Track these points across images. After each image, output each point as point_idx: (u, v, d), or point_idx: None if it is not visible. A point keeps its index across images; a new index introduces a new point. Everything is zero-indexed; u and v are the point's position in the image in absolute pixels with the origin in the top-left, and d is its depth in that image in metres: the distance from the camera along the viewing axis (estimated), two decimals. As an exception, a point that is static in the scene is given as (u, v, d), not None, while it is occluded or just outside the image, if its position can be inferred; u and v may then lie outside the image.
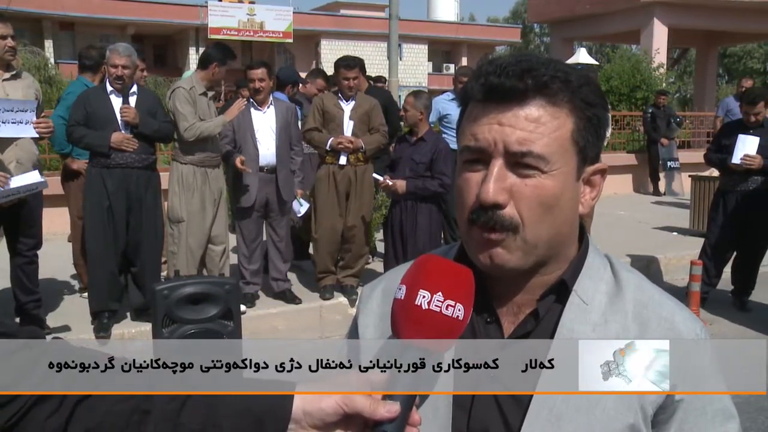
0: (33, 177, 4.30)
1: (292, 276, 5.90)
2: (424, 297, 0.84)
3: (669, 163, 11.66)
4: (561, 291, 0.98)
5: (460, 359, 0.98)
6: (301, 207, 5.53)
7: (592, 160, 0.95)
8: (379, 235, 6.85)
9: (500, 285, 0.99)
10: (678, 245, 7.60)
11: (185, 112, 4.79)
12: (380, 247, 6.70)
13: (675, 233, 8.34)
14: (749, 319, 5.59)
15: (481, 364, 0.97)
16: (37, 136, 4.47)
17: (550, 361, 0.94)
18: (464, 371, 0.98)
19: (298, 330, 5.32)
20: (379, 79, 8.77)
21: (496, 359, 0.97)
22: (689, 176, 8.85)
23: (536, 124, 0.89)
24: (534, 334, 0.97)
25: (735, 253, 5.84)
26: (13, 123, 4.31)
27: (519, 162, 0.89)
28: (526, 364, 0.96)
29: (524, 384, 0.95)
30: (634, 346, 0.94)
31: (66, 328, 4.70)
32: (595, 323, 0.95)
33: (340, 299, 5.50)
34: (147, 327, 4.35)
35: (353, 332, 1.12)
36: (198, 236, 4.94)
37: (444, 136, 6.74)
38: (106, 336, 4.62)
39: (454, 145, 6.58)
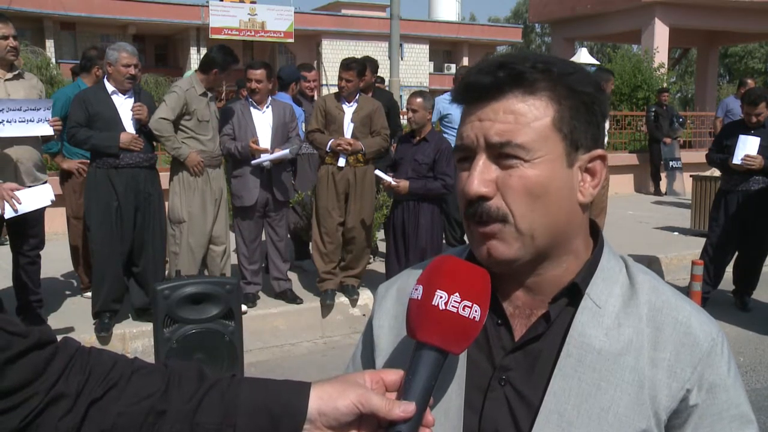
0: (43, 192, 4.25)
1: (292, 276, 5.90)
2: (441, 297, 0.85)
3: (671, 163, 11.65)
4: (573, 294, 0.96)
5: (473, 361, 0.98)
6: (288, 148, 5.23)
7: (587, 147, 0.93)
8: (381, 234, 6.85)
9: (508, 285, 0.98)
10: (679, 245, 7.60)
11: (169, 105, 4.75)
12: (382, 246, 6.70)
13: (676, 233, 8.34)
14: (750, 319, 5.59)
15: (493, 366, 0.97)
16: (51, 133, 4.54)
17: (561, 365, 0.93)
18: (476, 373, 0.97)
19: (300, 330, 5.32)
20: (377, 79, 8.77)
21: (508, 361, 0.96)
22: (690, 176, 8.85)
23: (514, 116, 0.89)
24: (545, 337, 0.96)
25: (737, 254, 5.84)
26: (21, 122, 4.34)
27: (501, 153, 0.90)
28: (537, 368, 0.95)
29: (535, 387, 0.94)
30: (648, 350, 0.92)
31: (67, 328, 4.70)
32: (608, 327, 0.93)
33: (341, 299, 5.50)
34: (148, 327, 4.35)
35: (368, 332, 1.11)
36: (199, 236, 4.94)
37: (445, 135, 6.74)
38: (107, 336, 4.62)
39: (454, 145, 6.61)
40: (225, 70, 4.92)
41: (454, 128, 6.59)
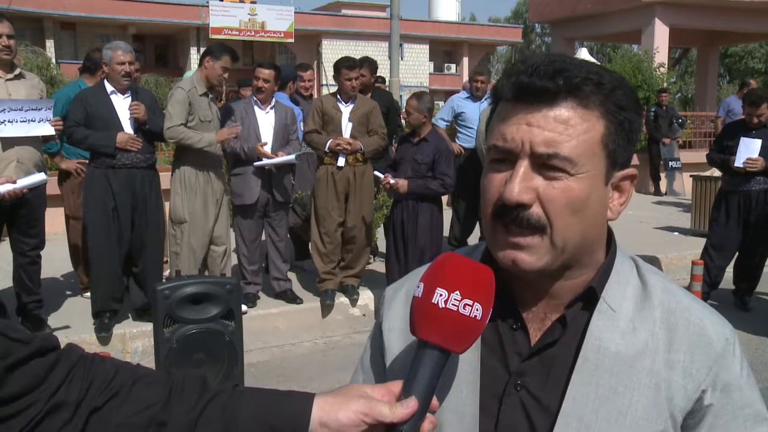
0: (37, 177, 4.33)
1: (292, 276, 5.90)
2: (441, 295, 0.84)
3: (670, 163, 11.66)
4: (589, 298, 0.96)
5: (488, 366, 0.97)
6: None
7: (621, 165, 0.94)
8: (381, 234, 6.85)
9: (526, 290, 0.97)
10: (679, 245, 7.60)
11: (173, 113, 4.76)
12: (382, 246, 6.70)
13: (676, 233, 8.34)
14: (750, 319, 5.59)
15: (508, 371, 0.96)
16: (53, 133, 4.57)
17: (579, 369, 0.92)
18: (491, 378, 0.96)
19: (300, 330, 5.32)
20: (377, 79, 8.79)
21: (524, 366, 0.95)
22: (690, 176, 8.85)
23: (565, 126, 0.88)
24: (561, 342, 0.95)
25: (737, 254, 5.84)
26: (22, 122, 4.35)
27: (546, 164, 0.88)
28: (553, 372, 0.94)
29: (551, 392, 0.93)
30: (663, 352, 0.92)
31: (67, 328, 4.70)
32: (624, 331, 0.93)
33: (342, 299, 5.50)
34: (148, 327, 4.35)
35: (377, 336, 1.10)
36: (200, 237, 4.94)
37: (459, 134, 6.75)
38: (107, 336, 4.62)
39: (466, 143, 6.64)
40: (217, 59, 4.90)
41: (468, 127, 6.63)
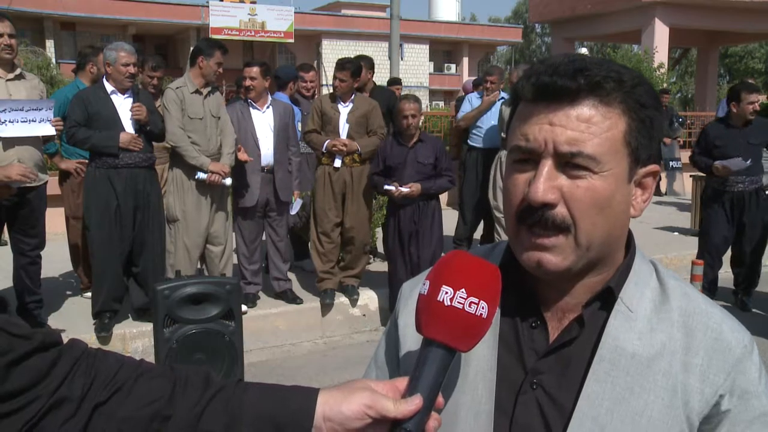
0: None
1: (292, 276, 5.90)
2: (446, 293, 0.83)
3: (671, 163, 11.67)
4: (607, 298, 0.96)
5: (504, 364, 0.97)
6: (291, 206, 5.54)
7: (644, 162, 0.93)
8: (381, 235, 6.85)
9: (548, 289, 0.97)
10: (679, 245, 7.60)
11: (173, 113, 4.77)
12: (381, 247, 6.70)
13: (676, 233, 8.34)
14: (750, 319, 5.59)
15: (524, 369, 0.96)
16: (54, 133, 4.60)
17: (595, 369, 0.92)
18: (507, 375, 0.96)
19: (300, 330, 5.32)
20: (395, 81, 8.82)
21: (540, 365, 0.95)
22: (690, 176, 8.85)
23: (588, 124, 0.88)
24: (578, 341, 0.95)
25: (735, 254, 5.84)
26: (23, 122, 4.35)
27: (569, 162, 0.88)
28: (569, 371, 0.94)
29: (567, 391, 0.93)
30: (680, 355, 0.92)
31: (67, 328, 4.69)
32: (641, 332, 0.93)
33: (341, 299, 5.50)
34: (148, 327, 4.35)
35: (392, 332, 1.09)
36: (193, 236, 4.93)
37: (471, 134, 6.78)
38: (107, 336, 4.62)
39: (475, 143, 6.66)
40: (210, 56, 4.88)
41: (478, 126, 6.66)
